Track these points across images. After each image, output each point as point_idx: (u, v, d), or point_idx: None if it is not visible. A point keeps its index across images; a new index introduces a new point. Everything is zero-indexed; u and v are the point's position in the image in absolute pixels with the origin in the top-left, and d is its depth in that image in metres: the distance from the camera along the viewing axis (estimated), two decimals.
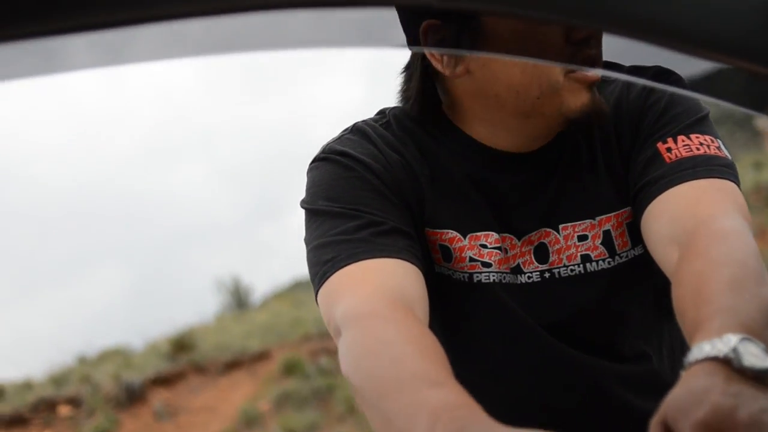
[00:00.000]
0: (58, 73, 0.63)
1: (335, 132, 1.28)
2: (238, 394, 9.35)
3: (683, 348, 1.32)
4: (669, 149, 1.16)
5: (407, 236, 1.16)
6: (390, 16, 1.10)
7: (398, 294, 1.06)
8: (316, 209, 1.19)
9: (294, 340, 10.07)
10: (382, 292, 1.05)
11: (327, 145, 1.25)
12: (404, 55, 1.26)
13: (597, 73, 1.13)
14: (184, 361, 10.17)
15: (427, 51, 1.17)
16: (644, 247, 1.23)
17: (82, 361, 11.35)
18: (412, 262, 1.12)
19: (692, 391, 0.76)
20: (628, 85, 1.24)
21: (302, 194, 1.24)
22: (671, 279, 1.05)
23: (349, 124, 1.30)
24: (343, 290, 1.08)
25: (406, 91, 1.26)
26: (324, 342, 9.72)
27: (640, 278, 1.27)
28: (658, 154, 1.17)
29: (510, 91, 1.15)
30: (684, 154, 1.15)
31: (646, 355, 1.30)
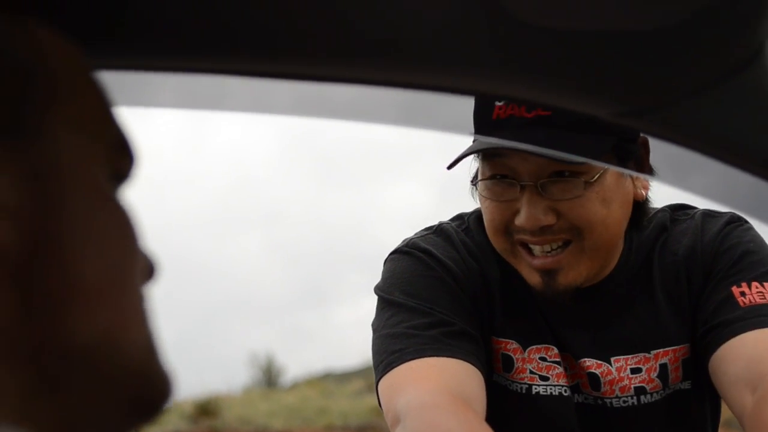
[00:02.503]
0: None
1: (394, 235, 1.32)
2: None
3: None
4: (743, 293, 1.19)
5: (474, 340, 1.20)
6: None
7: (459, 391, 1.10)
8: (391, 300, 1.23)
9: (316, 428, 9.98)
10: (444, 387, 1.09)
11: (411, 240, 1.30)
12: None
13: (546, 262, 1.16)
14: (204, 426, 10.12)
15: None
16: (692, 383, 1.26)
17: None
18: (475, 366, 1.16)
19: None
20: (702, 227, 1.28)
21: (368, 284, 1.28)
22: (744, 421, 1.09)
23: (408, 232, 1.35)
24: (407, 382, 1.12)
25: None
26: None
27: (681, 413, 1.29)
28: (731, 297, 1.20)
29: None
30: (758, 300, 1.18)
31: None
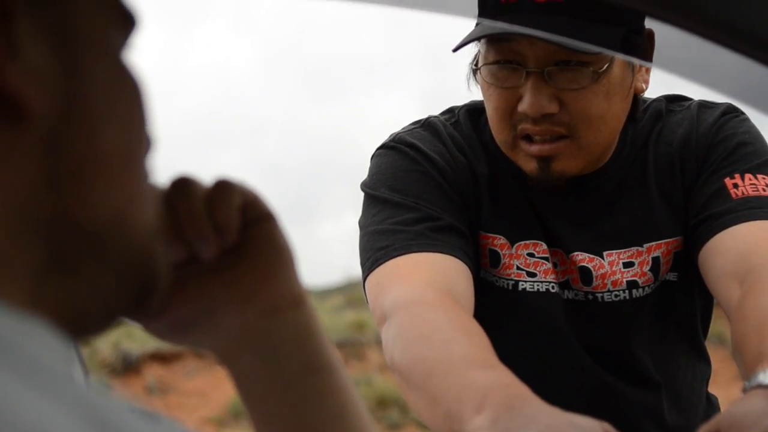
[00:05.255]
0: None
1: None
2: (231, 384, 9.37)
3: (694, 385, 1.34)
4: (736, 185, 1.18)
5: (461, 235, 1.19)
6: None
7: (446, 287, 1.09)
8: (377, 195, 1.21)
9: None
10: (432, 283, 1.08)
11: (398, 134, 1.27)
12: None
13: (543, 149, 1.15)
14: None
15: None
16: (678, 275, 1.26)
17: None
18: (462, 261, 1.14)
19: (749, 411, 0.81)
20: (698, 118, 1.26)
21: (353, 198, 1.26)
22: (730, 314, 1.09)
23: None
24: (393, 279, 1.12)
25: None
26: None
27: (667, 305, 1.29)
28: (724, 188, 1.19)
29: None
30: (751, 192, 1.17)
31: (659, 386, 1.31)
